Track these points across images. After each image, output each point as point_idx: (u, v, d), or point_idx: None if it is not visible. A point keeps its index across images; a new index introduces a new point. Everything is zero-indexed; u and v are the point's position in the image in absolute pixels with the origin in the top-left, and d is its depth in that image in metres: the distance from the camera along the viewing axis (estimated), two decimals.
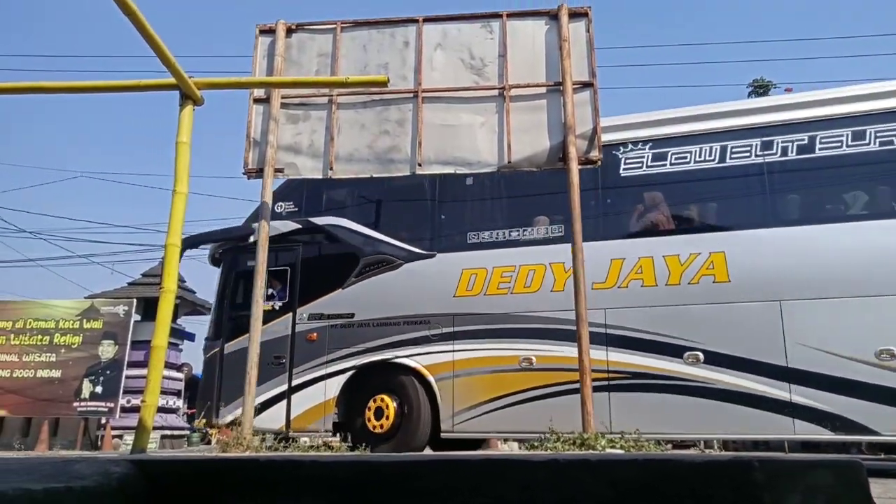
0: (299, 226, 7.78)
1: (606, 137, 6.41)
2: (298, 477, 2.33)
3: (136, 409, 11.97)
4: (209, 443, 12.50)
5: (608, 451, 4.61)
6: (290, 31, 6.30)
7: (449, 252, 7.16)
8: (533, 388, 6.54)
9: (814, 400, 5.64)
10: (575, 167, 5.46)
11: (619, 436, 4.88)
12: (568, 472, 2.24)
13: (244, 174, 6.06)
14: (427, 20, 6.17)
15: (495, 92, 5.91)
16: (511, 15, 6.06)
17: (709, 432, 6.84)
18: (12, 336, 12.36)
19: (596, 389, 6.10)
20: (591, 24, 5.86)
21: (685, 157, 6.70)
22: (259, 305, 5.64)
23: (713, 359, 6.05)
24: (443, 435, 6.73)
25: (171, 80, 4.77)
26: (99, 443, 13.18)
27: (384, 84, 5.15)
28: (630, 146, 6.85)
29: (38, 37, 70.82)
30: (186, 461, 3.89)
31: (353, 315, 7.25)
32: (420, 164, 5.82)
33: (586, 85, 5.74)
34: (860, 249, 5.87)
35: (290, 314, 7.56)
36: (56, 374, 12.17)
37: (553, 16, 5.93)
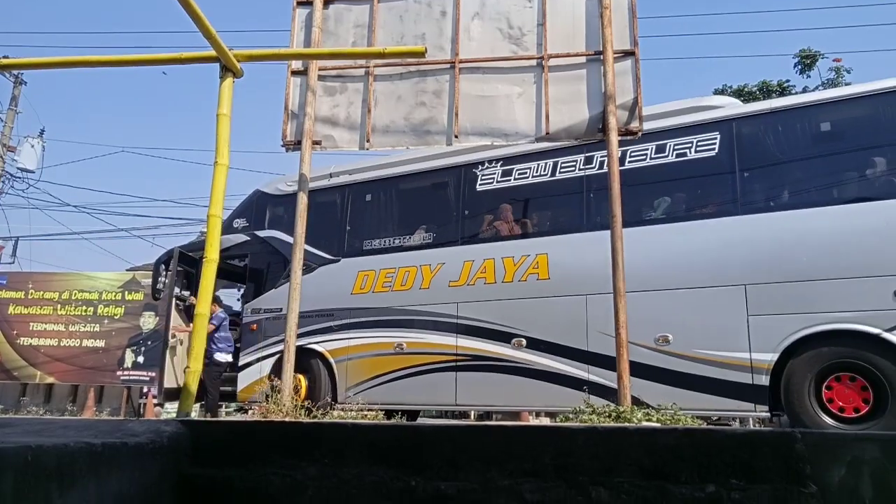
0: (247, 238, 9.32)
1: (470, 158, 7.79)
2: (340, 439, 2.39)
3: None
4: (246, 412, 12.77)
5: (644, 423, 4.60)
6: (327, 3, 6.26)
7: (349, 257, 8.51)
8: (403, 369, 7.76)
9: (605, 378, 6.31)
10: (615, 138, 5.34)
11: (655, 410, 4.86)
12: (607, 441, 2.25)
13: (283, 146, 6.09)
14: None
15: (533, 62, 5.79)
16: None
17: (526, 405, 8.11)
18: (59, 307, 12.74)
19: (445, 370, 7.48)
20: None
21: (526, 173, 7.71)
22: (297, 275, 5.71)
23: (533, 344, 7.07)
24: (338, 405, 7.96)
25: (212, 52, 4.80)
26: (141, 411, 13.56)
27: (421, 55, 5.08)
28: (486, 164, 7.87)
29: (82, 13, 71.87)
30: (233, 423, 4.00)
31: (281, 309, 8.31)
32: (456, 136, 5.77)
33: (628, 54, 5.58)
34: (649, 250, 6.57)
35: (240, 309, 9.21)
36: (100, 343, 12.53)
37: None
